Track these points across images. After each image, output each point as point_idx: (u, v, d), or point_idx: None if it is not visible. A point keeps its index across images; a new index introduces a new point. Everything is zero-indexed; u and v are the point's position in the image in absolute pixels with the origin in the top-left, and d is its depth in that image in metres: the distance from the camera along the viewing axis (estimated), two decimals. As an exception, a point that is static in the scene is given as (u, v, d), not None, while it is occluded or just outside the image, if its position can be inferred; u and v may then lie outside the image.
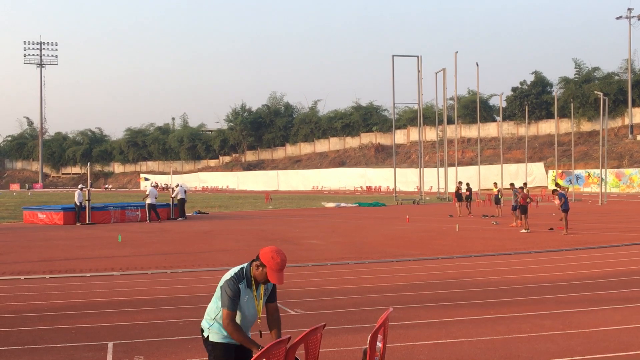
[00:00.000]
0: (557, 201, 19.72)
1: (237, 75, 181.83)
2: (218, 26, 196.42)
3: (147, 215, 26.49)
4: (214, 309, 4.32)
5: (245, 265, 4.33)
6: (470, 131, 75.97)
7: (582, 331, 7.34)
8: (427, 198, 46.01)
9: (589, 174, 57.81)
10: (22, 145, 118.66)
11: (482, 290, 10.09)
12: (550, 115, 70.19)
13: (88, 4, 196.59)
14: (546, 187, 56.80)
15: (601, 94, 46.90)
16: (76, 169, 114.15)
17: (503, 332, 7.29)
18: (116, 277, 11.76)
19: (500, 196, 27.86)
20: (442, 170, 48.55)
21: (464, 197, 28.98)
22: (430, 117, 70.92)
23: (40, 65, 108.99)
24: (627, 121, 65.28)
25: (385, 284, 10.71)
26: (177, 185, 29.00)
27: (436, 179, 51.02)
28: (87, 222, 25.52)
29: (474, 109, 68.95)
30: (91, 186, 28.82)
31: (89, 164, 38.49)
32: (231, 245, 17.14)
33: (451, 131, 63.10)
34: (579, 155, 61.91)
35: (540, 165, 63.38)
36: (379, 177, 74.06)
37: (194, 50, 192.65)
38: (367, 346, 4.14)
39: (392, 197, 45.52)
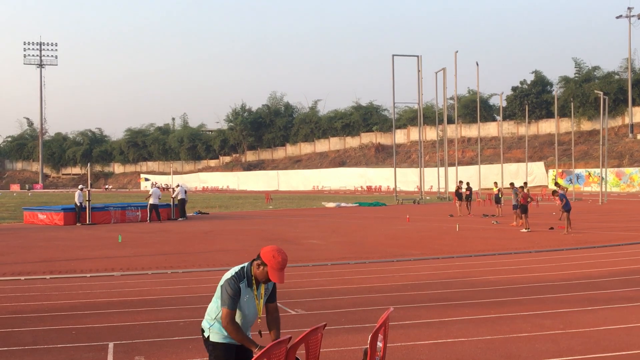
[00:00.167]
0: (558, 202, 19.76)
1: (237, 75, 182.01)
2: (218, 26, 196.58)
3: (148, 215, 26.50)
4: (215, 309, 4.32)
5: (245, 264, 4.33)
6: (471, 131, 75.96)
7: (582, 331, 7.34)
8: (428, 198, 46.02)
9: (589, 173, 57.81)
10: (22, 145, 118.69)
11: (482, 289, 10.10)
12: (550, 115, 70.19)
13: (88, 5, 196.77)
14: (546, 186, 56.80)
15: (601, 93, 46.89)
16: (76, 170, 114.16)
17: (503, 332, 7.30)
18: (117, 278, 11.76)
19: (500, 196, 27.88)
20: (442, 169, 48.55)
21: (464, 196, 28.99)
22: (430, 116, 70.92)
23: (40, 65, 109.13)
24: (627, 120, 65.27)
25: (386, 284, 10.71)
26: (178, 186, 29.01)
27: (436, 179, 51.04)
28: (87, 222, 25.53)
29: (474, 108, 68.96)
30: (91, 187, 28.82)
31: (89, 164, 38.48)
32: (231, 245, 17.14)
33: (451, 131, 63.10)
34: (579, 155, 61.91)
35: (540, 165, 63.39)
36: (379, 177, 74.07)
37: (194, 50, 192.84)
38: (368, 346, 4.14)
39: (393, 196, 45.53)
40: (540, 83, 74.55)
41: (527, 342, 6.83)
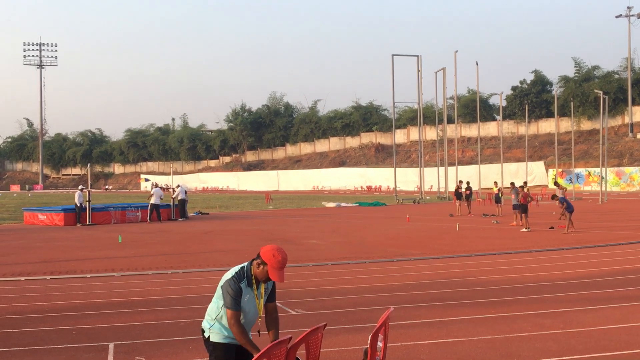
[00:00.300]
0: (560, 206, 19.86)
1: (237, 75, 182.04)
2: (218, 27, 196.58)
3: (148, 214, 26.50)
4: (215, 309, 4.33)
5: (245, 264, 4.33)
6: (470, 130, 75.97)
7: (582, 330, 7.34)
8: (428, 197, 46.02)
9: (589, 173, 57.82)
10: (22, 146, 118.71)
11: (482, 289, 10.10)
12: (550, 114, 70.20)
13: (88, 5, 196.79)
14: (546, 186, 56.81)
15: (601, 92, 46.90)
16: (76, 170, 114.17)
17: (503, 331, 7.30)
18: (117, 278, 11.76)
19: (500, 195, 27.89)
20: (442, 169, 48.57)
21: (464, 196, 29.00)
22: (430, 116, 70.93)
23: (40, 66, 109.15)
24: (627, 120, 65.28)
25: (386, 284, 10.71)
26: (178, 186, 29.03)
27: (436, 179, 51.07)
28: (87, 223, 25.53)
29: (474, 108, 68.97)
30: (91, 187, 28.83)
31: (89, 165, 38.49)
32: (232, 245, 17.14)
33: (451, 130, 63.11)
34: (579, 154, 61.92)
35: (540, 164, 63.40)
36: (379, 177, 74.09)
37: (194, 50, 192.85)
38: (368, 346, 4.14)
39: (393, 196, 45.53)
40: (540, 82, 74.56)
41: (527, 342, 6.83)
